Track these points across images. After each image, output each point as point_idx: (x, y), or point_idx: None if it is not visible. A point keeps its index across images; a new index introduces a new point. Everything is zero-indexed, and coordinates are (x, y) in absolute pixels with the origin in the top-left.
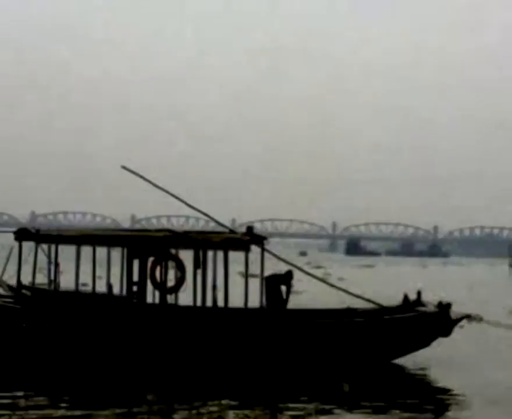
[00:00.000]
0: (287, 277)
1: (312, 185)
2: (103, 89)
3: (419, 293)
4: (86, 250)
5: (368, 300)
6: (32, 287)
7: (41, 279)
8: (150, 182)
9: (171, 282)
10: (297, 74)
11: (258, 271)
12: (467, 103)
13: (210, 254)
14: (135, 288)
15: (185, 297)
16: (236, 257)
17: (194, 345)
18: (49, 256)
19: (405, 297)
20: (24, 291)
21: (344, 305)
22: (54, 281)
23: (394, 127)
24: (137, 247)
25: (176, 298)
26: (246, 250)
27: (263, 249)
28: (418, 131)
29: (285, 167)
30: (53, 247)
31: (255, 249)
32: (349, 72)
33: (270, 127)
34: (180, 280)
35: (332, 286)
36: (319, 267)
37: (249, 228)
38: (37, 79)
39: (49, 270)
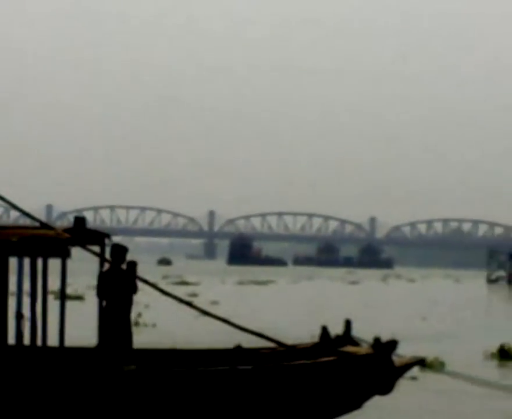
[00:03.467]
0: (131, 275)
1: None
2: None
3: (347, 324)
4: None
5: (262, 336)
6: None
7: None
8: None
9: None
10: None
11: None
12: None
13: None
14: None
15: None
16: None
17: None
18: None
19: (324, 331)
20: None
21: (215, 344)
22: None
23: None
24: None
25: None
26: (64, 255)
27: (102, 255)
28: None
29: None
30: None
31: (82, 255)
32: None
33: None
34: None
35: (204, 312)
36: (183, 283)
37: (79, 220)
38: None
39: None
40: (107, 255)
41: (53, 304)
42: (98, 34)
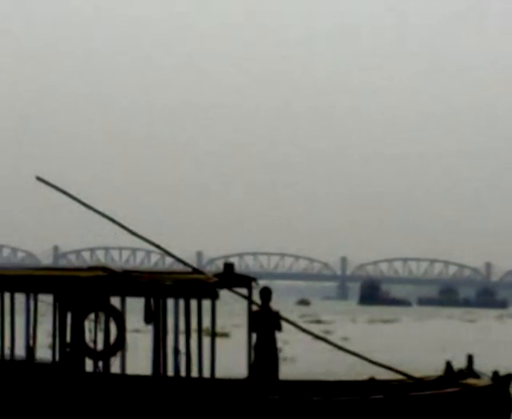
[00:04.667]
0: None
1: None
2: None
3: (469, 359)
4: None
5: (391, 369)
6: None
7: None
8: (80, 201)
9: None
10: None
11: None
12: None
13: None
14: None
15: (134, 363)
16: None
17: None
18: None
19: (448, 365)
20: None
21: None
22: None
23: None
24: (68, 293)
25: (106, 364)
26: (213, 297)
27: (249, 297)
28: None
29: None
30: None
31: (229, 297)
32: None
33: None
34: (118, 341)
35: (338, 347)
36: (318, 321)
37: (228, 266)
38: None
39: None
40: (255, 297)
41: (204, 340)
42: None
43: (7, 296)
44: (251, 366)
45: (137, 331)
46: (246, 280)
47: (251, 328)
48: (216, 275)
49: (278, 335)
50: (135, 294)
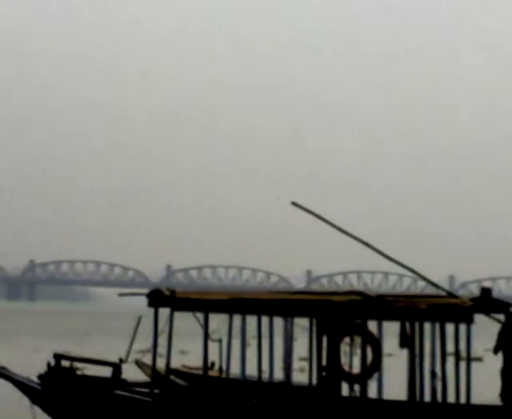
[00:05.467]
0: None
1: None
2: None
3: None
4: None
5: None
6: (185, 373)
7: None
8: (335, 226)
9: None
10: None
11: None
12: None
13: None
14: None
15: (388, 388)
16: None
17: None
18: (205, 328)
19: None
20: (172, 377)
21: None
22: (205, 365)
23: None
24: (324, 316)
25: (363, 388)
26: (468, 321)
27: (508, 323)
28: None
29: None
30: (200, 315)
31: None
32: None
33: None
34: (374, 364)
35: None
36: None
37: (485, 291)
38: None
39: (207, 347)
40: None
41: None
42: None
43: (264, 320)
44: (502, 393)
45: (389, 355)
46: (503, 306)
47: (497, 349)
48: (472, 299)
49: None
50: (390, 318)
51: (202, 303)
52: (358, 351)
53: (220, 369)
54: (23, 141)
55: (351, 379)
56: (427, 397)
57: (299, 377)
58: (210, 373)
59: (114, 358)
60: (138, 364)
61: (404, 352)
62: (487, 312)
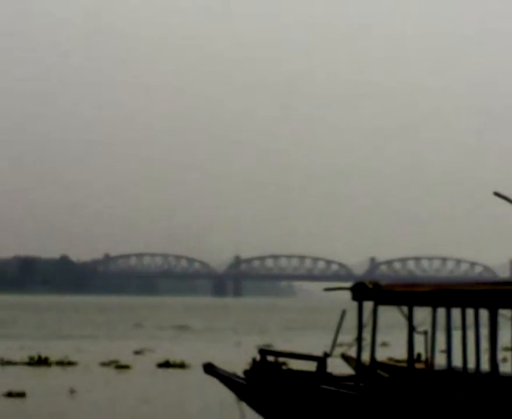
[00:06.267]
0: None
1: None
2: None
3: None
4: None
5: None
6: (390, 366)
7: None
8: None
9: None
10: None
11: None
12: None
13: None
14: None
15: None
16: None
17: None
18: (409, 320)
19: None
20: (379, 371)
21: None
22: (411, 357)
23: None
24: None
25: None
26: None
27: None
28: None
29: None
30: (404, 308)
31: None
32: None
33: None
34: None
35: None
36: None
37: None
38: None
39: (412, 340)
40: None
41: None
42: None
43: (469, 311)
44: None
45: None
46: None
47: None
48: None
49: None
50: None
51: (406, 296)
52: None
53: (426, 362)
54: None
55: None
56: None
57: (502, 367)
58: (417, 365)
59: (319, 352)
60: (344, 357)
61: None
62: None
